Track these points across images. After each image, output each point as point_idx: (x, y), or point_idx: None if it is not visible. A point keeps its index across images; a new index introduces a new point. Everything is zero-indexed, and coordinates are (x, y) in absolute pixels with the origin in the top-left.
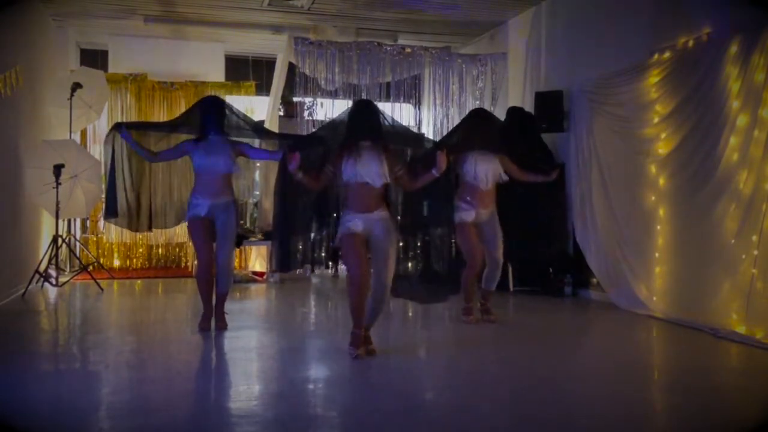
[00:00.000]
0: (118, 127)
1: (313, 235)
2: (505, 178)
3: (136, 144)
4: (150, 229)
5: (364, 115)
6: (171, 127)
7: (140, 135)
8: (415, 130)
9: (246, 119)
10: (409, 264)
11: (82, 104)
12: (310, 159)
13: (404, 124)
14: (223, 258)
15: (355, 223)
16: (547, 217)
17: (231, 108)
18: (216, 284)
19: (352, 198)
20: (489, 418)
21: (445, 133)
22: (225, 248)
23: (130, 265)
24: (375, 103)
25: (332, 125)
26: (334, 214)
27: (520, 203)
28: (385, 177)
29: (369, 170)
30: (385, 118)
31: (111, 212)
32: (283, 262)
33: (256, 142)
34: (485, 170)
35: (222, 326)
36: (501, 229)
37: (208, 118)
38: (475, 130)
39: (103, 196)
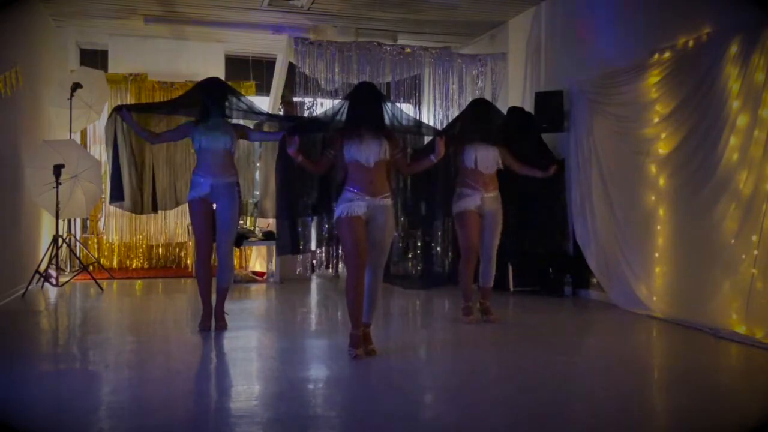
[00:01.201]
0: (119, 109)
1: (316, 221)
2: (500, 166)
3: (136, 125)
4: (156, 210)
5: (366, 105)
6: (172, 107)
7: (141, 118)
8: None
9: (246, 101)
10: (410, 264)
11: (82, 104)
12: (310, 142)
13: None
14: (224, 248)
15: (358, 205)
16: (547, 215)
17: (232, 90)
18: (217, 279)
19: (355, 178)
20: (489, 418)
21: None
22: (226, 238)
23: (130, 265)
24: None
25: (333, 112)
26: (333, 204)
27: (521, 201)
28: (384, 154)
29: (369, 151)
30: (386, 105)
31: (116, 196)
32: (285, 245)
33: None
34: (486, 155)
35: (222, 326)
36: (503, 222)
37: (210, 99)
38: (475, 124)
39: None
